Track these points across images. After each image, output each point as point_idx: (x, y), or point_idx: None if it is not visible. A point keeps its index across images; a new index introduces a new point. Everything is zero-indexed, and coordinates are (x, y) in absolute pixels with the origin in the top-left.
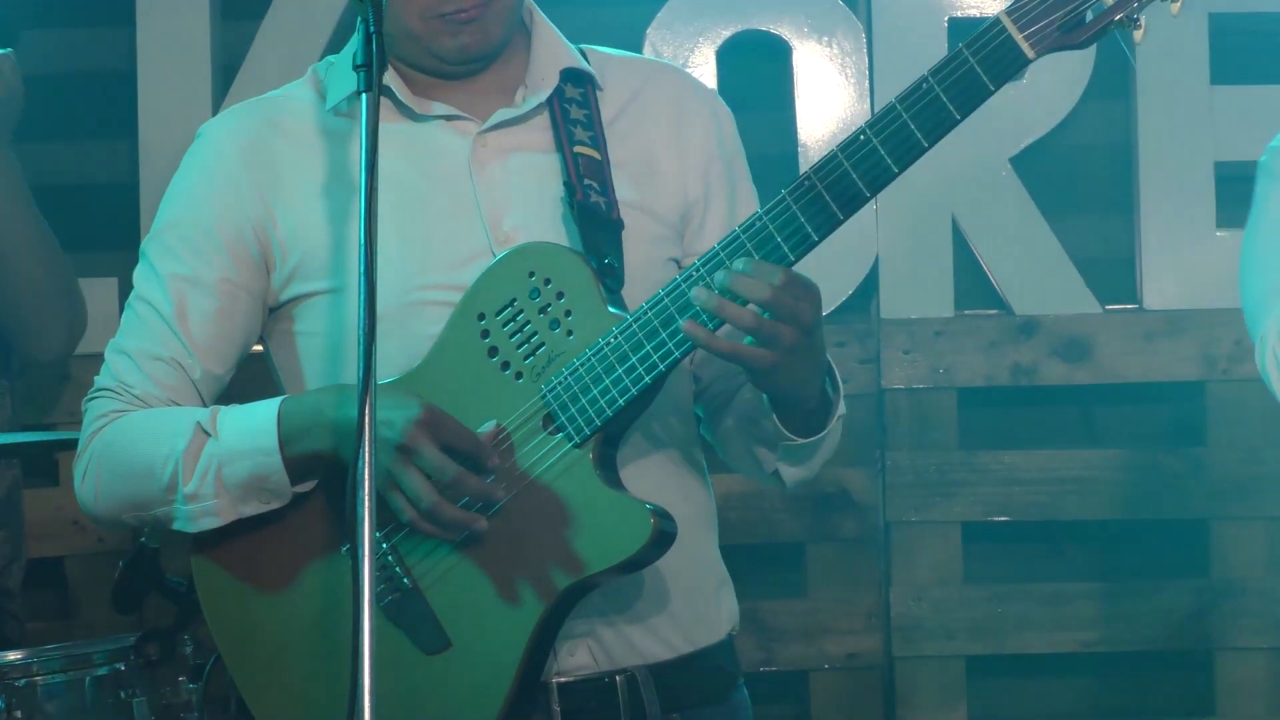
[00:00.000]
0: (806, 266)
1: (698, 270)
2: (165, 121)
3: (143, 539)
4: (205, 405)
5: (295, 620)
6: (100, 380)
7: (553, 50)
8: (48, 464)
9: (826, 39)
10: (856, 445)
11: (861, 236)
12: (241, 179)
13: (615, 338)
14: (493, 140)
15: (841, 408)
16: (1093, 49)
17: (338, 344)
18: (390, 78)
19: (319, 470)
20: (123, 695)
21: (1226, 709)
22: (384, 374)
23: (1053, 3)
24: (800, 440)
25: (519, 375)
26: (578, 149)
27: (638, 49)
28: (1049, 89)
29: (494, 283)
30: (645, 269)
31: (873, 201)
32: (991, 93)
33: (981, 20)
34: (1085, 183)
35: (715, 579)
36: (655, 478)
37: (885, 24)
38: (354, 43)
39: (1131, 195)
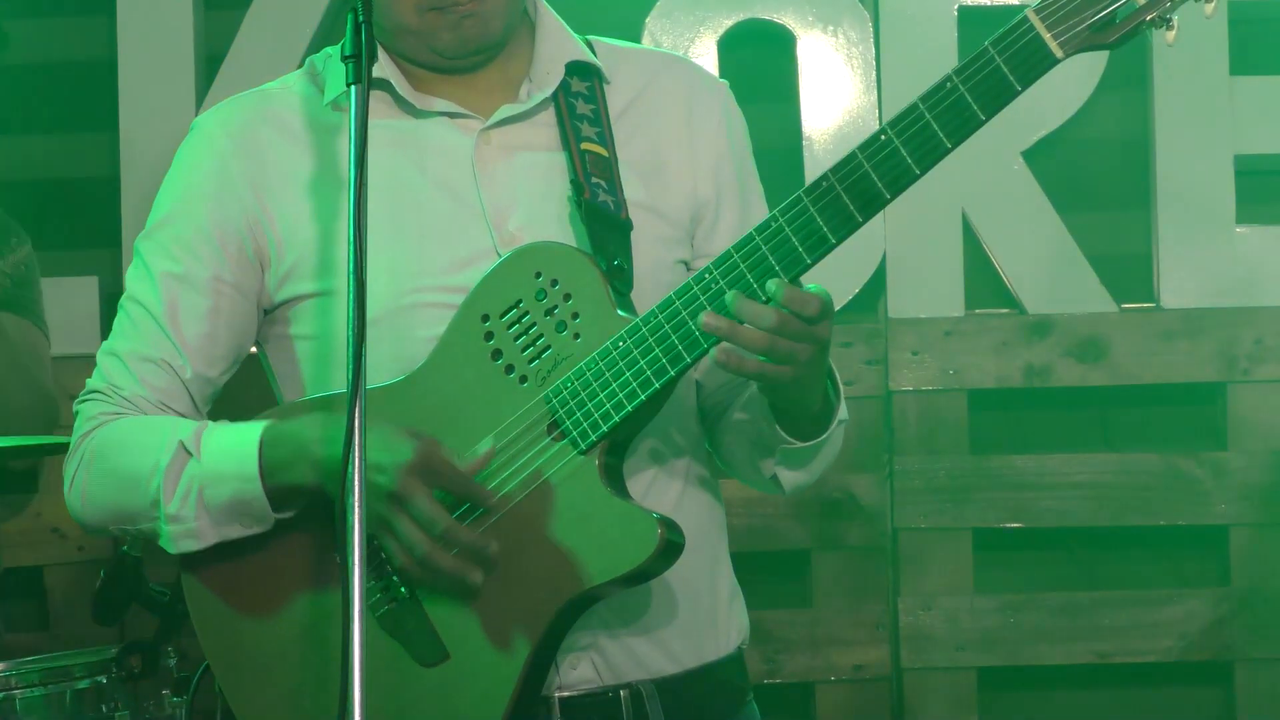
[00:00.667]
0: None
1: (711, 273)
2: (147, 114)
3: (124, 547)
4: (197, 407)
5: (287, 630)
6: (91, 382)
7: (558, 43)
8: (26, 473)
9: (832, 28)
10: (863, 450)
11: (868, 233)
12: (236, 174)
13: (624, 341)
14: (496, 138)
15: (843, 412)
16: None
17: (333, 347)
18: (390, 72)
19: (303, 499)
20: (104, 709)
21: None
22: (382, 378)
23: (1083, 1)
24: (799, 444)
25: (523, 379)
26: (585, 146)
27: (636, 39)
28: (1063, 80)
29: (499, 283)
30: (654, 270)
31: None
32: (1018, 93)
33: (993, 9)
34: (1100, 177)
35: (726, 590)
36: (668, 486)
37: (893, 12)
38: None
39: (1148, 190)
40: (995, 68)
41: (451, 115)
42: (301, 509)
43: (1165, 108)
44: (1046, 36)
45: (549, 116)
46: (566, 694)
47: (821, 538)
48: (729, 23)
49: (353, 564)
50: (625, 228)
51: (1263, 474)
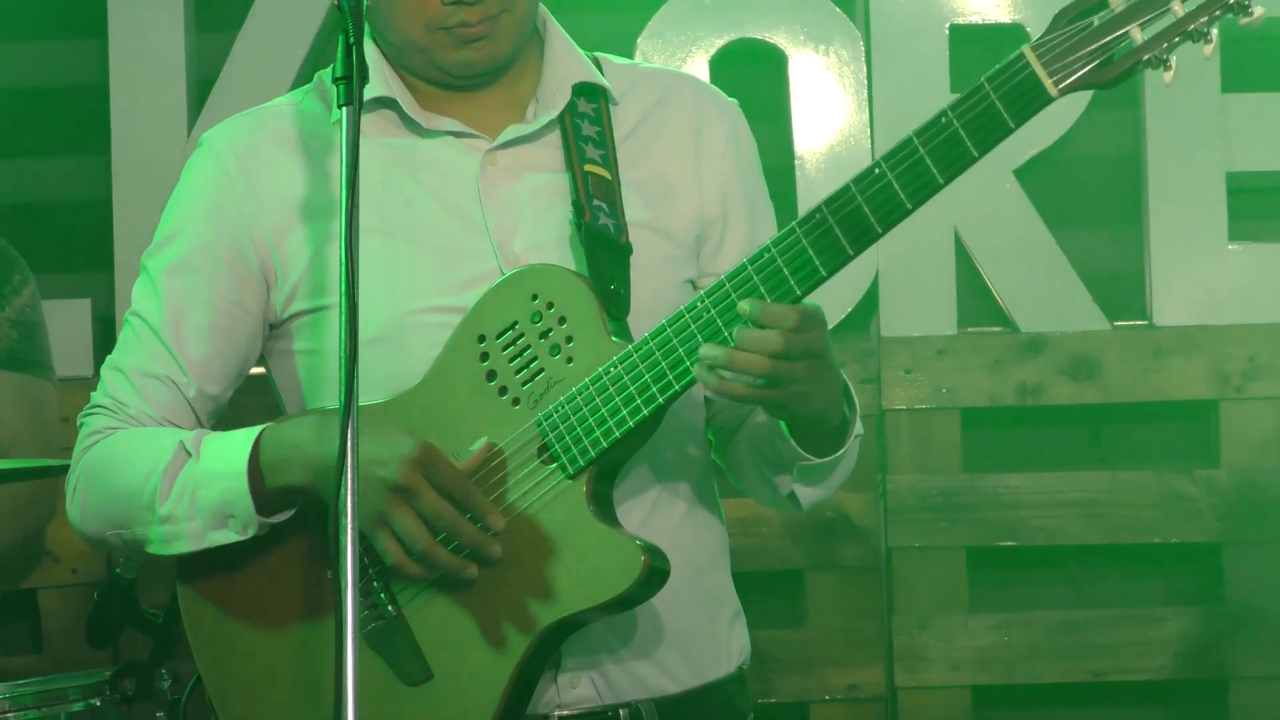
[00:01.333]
0: None
1: (703, 302)
2: (140, 137)
3: (118, 570)
4: (201, 423)
5: (278, 642)
6: (95, 397)
7: (567, 63)
8: None
9: (823, 47)
10: (857, 468)
11: None
12: (242, 192)
13: (615, 367)
14: (503, 159)
15: (859, 426)
16: None
17: (333, 363)
18: (397, 89)
19: (297, 502)
20: None
21: None
22: (381, 395)
23: (1079, 40)
24: (817, 460)
25: (516, 401)
26: (588, 168)
27: (629, 58)
28: None
29: (496, 304)
30: (657, 292)
31: None
32: (1012, 130)
33: (984, 27)
34: (1092, 195)
35: (728, 611)
36: (672, 507)
37: (884, 31)
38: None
39: (1140, 207)
40: (990, 104)
41: (458, 135)
42: (296, 517)
43: (1157, 125)
44: (1042, 74)
45: (554, 138)
46: (566, 713)
47: (815, 557)
48: (720, 42)
49: (344, 575)
50: (625, 251)
51: (1256, 491)
